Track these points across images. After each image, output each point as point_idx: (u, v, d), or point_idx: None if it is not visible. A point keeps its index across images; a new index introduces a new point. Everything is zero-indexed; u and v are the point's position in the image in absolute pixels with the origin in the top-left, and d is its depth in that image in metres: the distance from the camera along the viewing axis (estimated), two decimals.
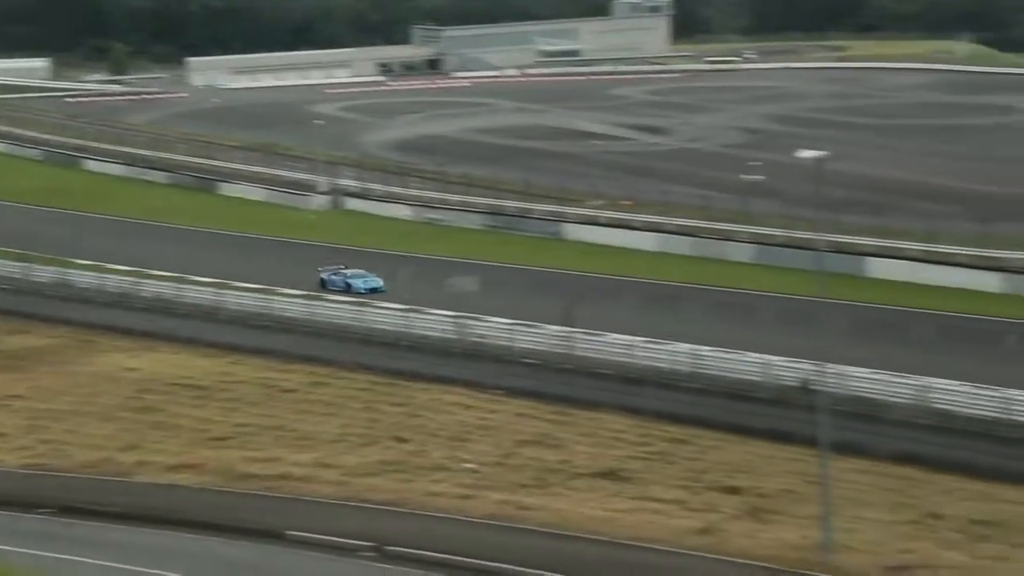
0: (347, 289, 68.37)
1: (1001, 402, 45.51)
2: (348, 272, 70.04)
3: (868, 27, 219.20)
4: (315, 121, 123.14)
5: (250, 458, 42.69)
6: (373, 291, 67.87)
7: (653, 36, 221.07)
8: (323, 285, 69.15)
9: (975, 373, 48.25)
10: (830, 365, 41.20)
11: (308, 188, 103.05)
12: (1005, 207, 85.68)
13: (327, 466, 41.83)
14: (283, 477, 40.50)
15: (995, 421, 45.15)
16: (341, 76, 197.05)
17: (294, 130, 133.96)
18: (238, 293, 66.04)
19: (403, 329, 59.50)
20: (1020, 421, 44.87)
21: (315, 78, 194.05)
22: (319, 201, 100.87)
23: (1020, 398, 45.47)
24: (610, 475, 41.06)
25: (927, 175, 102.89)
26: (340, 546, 34.94)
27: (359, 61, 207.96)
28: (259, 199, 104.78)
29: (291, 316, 62.97)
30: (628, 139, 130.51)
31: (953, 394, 46.69)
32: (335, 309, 62.51)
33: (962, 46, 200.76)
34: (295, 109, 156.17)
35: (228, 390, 52.01)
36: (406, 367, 54.22)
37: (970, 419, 45.57)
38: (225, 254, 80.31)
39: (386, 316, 61.21)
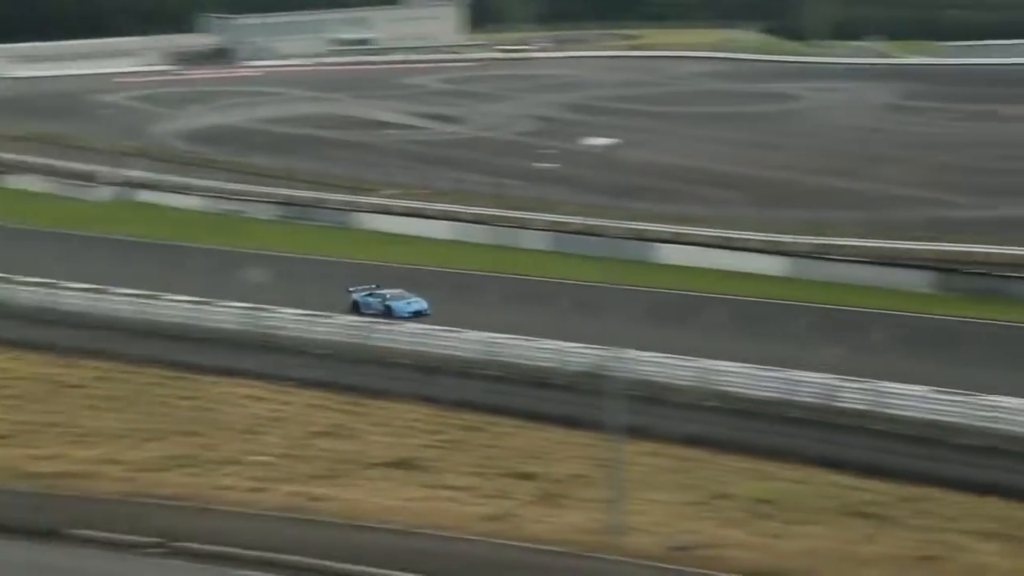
0: (387, 313, 59.83)
1: (783, 383, 46.74)
2: (387, 293, 61.29)
3: (658, 16, 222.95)
4: (102, 111, 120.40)
5: (32, 456, 41.40)
6: (417, 314, 59.65)
7: (446, 25, 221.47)
8: (356, 308, 60.48)
9: (760, 355, 49.40)
10: (622, 350, 41.79)
11: (95, 179, 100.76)
12: (789, 192, 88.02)
13: (112, 462, 40.80)
14: (66, 475, 39.39)
15: (778, 401, 46.34)
16: (130, 65, 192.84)
17: (81, 120, 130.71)
18: (21, 287, 64.17)
19: (192, 322, 58.55)
20: (802, 401, 46.12)
21: (103, 67, 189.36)
22: (106, 192, 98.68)
23: (803, 379, 46.71)
24: (404, 464, 40.94)
25: (715, 162, 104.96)
26: (126, 543, 34.11)
27: (148, 50, 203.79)
28: (44, 191, 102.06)
29: (76, 311, 61.43)
30: (422, 128, 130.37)
31: (738, 376, 47.84)
32: (119, 303, 61.23)
33: (748, 35, 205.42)
34: (82, 99, 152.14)
35: (9, 387, 50.42)
36: (196, 360, 53.34)
37: (754, 400, 46.69)
38: (6, 248, 77.90)
39: (174, 309, 60.12)
